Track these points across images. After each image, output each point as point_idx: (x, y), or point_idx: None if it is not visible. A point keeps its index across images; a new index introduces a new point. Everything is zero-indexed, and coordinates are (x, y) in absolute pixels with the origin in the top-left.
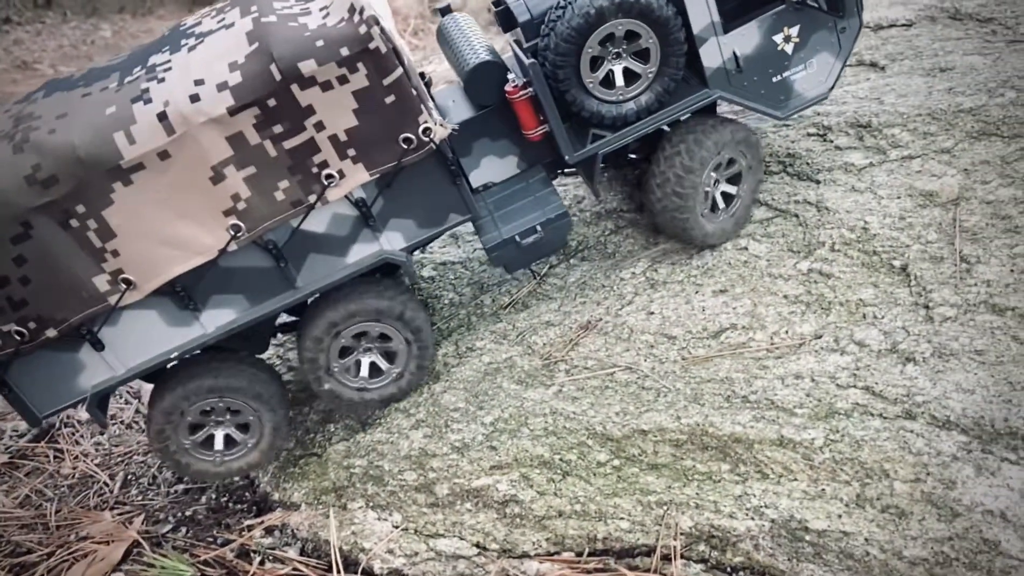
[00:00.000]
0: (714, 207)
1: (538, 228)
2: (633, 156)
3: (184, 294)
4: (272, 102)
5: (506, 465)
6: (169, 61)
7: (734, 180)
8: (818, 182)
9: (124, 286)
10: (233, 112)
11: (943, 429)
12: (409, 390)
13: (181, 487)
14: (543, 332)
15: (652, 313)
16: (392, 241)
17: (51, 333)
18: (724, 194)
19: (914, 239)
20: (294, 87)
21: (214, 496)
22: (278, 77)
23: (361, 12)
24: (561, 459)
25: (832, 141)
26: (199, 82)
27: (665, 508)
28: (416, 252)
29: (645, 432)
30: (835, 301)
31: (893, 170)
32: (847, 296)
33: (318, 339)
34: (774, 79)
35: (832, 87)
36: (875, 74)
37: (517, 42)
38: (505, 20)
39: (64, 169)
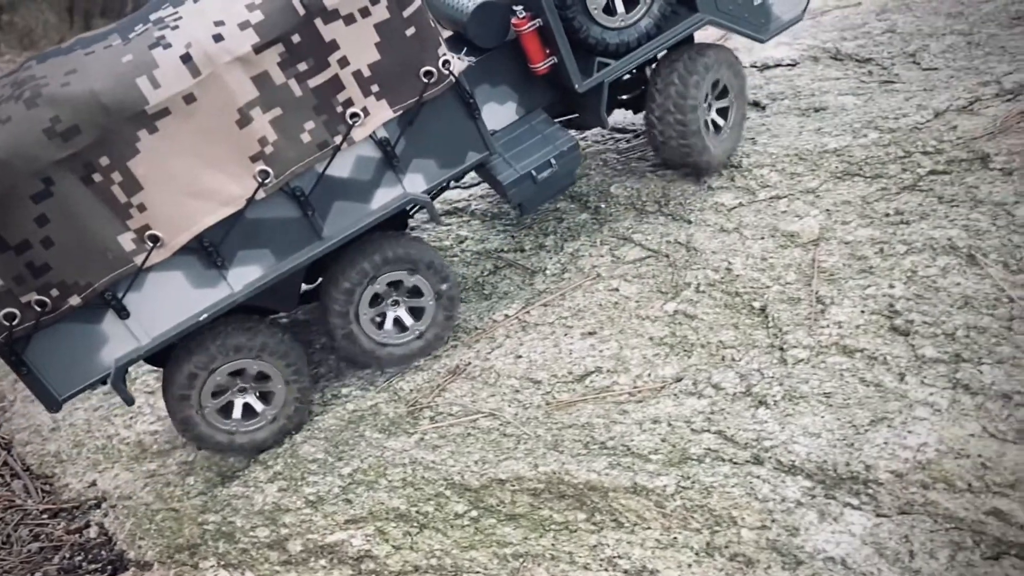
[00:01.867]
0: (716, 129)
1: (552, 162)
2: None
3: (212, 250)
4: (296, 38)
5: (361, 519)
6: (176, 12)
7: (723, 101)
8: (690, 222)
9: (151, 244)
10: (259, 50)
11: (788, 474)
12: (435, 347)
13: (35, 545)
14: (411, 377)
15: (520, 357)
16: (414, 183)
17: (75, 301)
18: (720, 111)
19: (774, 280)
20: (317, 21)
21: (68, 556)
22: (301, 11)
23: None
24: (418, 511)
25: (706, 181)
26: (219, 23)
27: (521, 560)
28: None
29: (503, 481)
30: (697, 343)
31: (760, 210)
32: (709, 338)
33: (350, 290)
34: (755, 2)
35: (805, 9)
36: (755, 113)
37: None
38: None
39: (86, 118)
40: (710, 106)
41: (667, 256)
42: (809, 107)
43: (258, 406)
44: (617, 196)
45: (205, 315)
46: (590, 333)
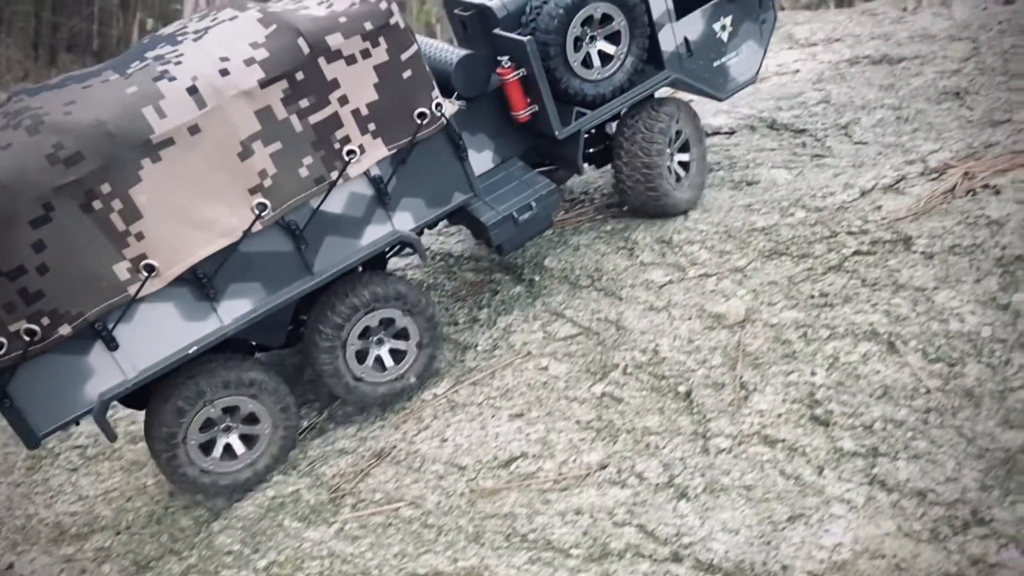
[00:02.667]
0: (678, 178)
1: (533, 205)
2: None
3: (205, 281)
4: (300, 75)
5: None
6: (175, 50)
7: (684, 150)
8: (621, 299)
9: (146, 273)
10: (264, 85)
11: (707, 573)
12: (411, 392)
13: None
14: (335, 461)
15: (446, 440)
16: (403, 221)
17: (65, 331)
18: (681, 163)
19: (700, 363)
20: (321, 60)
21: None
22: (306, 50)
23: None
24: None
25: (638, 257)
26: (224, 59)
27: None
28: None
29: None
30: (623, 428)
31: (689, 288)
32: (634, 423)
33: (339, 325)
34: (715, 64)
35: (757, 73)
36: None
37: (500, 32)
38: (481, 19)
39: (90, 145)
40: (672, 154)
41: (597, 334)
42: (742, 180)
43: (239, 448)
44: (551, 269)
45: (195, 348)
46: (518, 415)
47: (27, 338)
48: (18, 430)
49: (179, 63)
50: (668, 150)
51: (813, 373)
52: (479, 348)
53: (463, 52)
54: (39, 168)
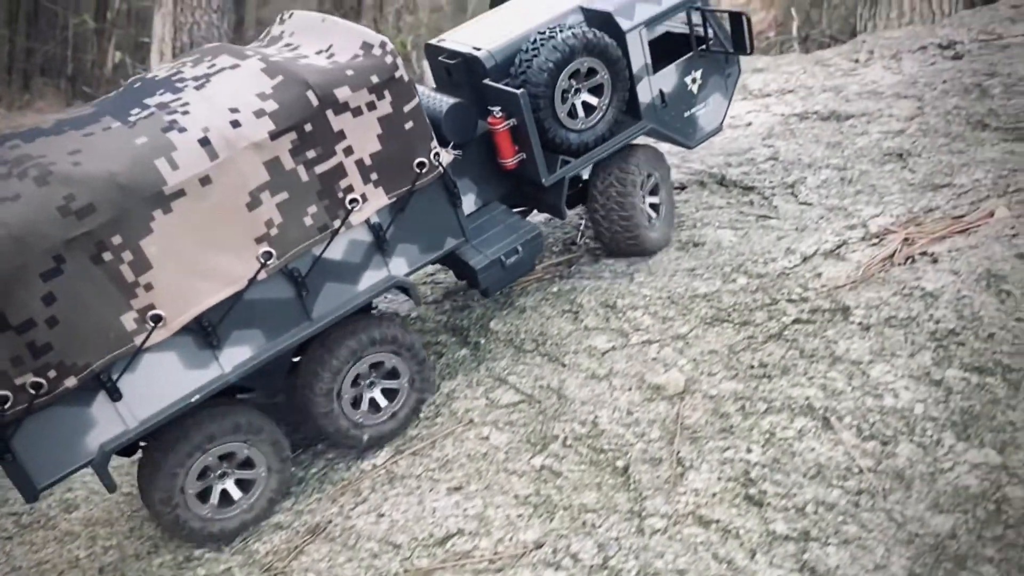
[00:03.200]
0: (649, 219)
1: (519, 248)
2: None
3: (210, 330)
4: (308, 127)
5: None
6: (178, 99)
7: (654, 192)
8: (564, 365)
9: (152, 324)
10: (274, 136)
11: None
12: (401, 431)
13: None
14: (269, 536)
15: (383, 515)
16: (398, 267)
17: (71, 383)
18: (652, 205)
19: (638, 437)
20: (329, 112)
21: None
22: (315, 103)
23: (383, 46)
24: None
25: (583, 321)
26: (234, 110)
27: None
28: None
29: None
30: (560, 504)
31: (632, 356)
32: (572, 499)
33: (337, 369)
34: (685, 114)
35: (722, 123)
36: None
37: (491, 83)
38: (467, 68)
39: (102, 197)
40: (644, 197)
41: (539, 402)
42: (689, 240)
43: (235, 493)
44: (497, 332)
45: (197, 396)
46: (456, 488)
47: (32, 391)
48: (18, 484)
49: (186, 113)
50: (641, 192)
51: (749, 450)
52: (422, 415)
53: (452, 100)
54: (50, 220)
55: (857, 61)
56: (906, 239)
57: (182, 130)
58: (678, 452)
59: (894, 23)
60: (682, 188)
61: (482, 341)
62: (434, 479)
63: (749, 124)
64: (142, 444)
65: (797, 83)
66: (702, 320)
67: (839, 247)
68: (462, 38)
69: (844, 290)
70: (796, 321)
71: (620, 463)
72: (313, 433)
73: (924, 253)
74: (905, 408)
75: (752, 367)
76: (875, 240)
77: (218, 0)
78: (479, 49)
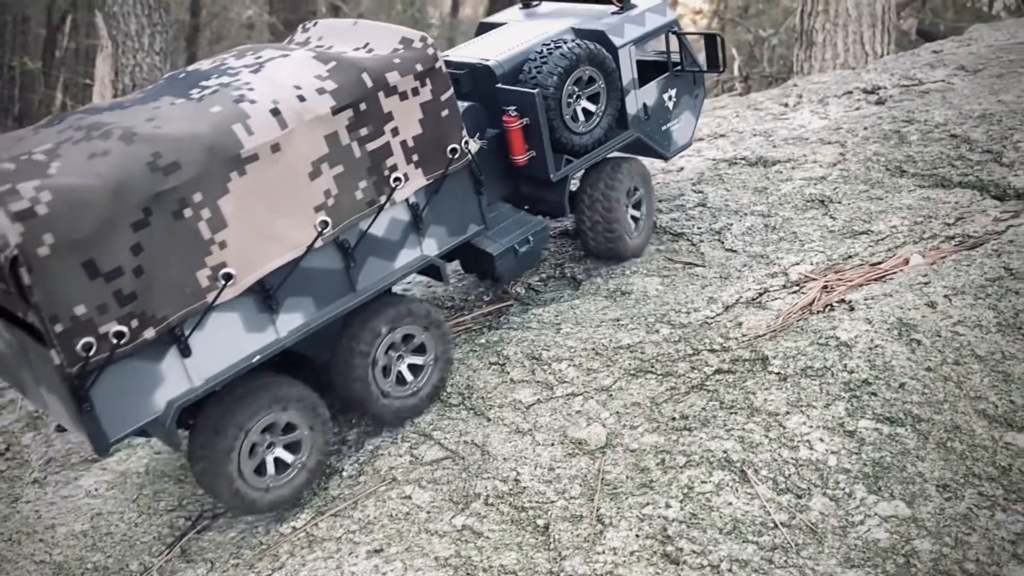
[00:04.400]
0: (629, 229)
1: (530, 239)
2: None
3: (270, 293)
4: (363, 106)
5: None
6: (237, 79)
7: (637, 206)
8: (489, 419)
9: (223, 282)
10: (335, 112)
11: None
12: (422, 409)
13: None
14: None
15: None
16: (429, 248)
17: (150, 334)
18: (634, 217)
19: (559, 494)
20: (380, 94)
21: None
22: (369, 84)
23: (423, 40)
24: None
25: (509, 373)
26: (298, 88)
27: None
28: None
29: None
30: (480, 566)
31: (556, 409)
32: (492, 560)
33: (364, 353)
34: (663, 128)
35: (691, 140)
36: (569, 291)
37: (507, 87)
38: (476, 77)
39: (186, 156)
40: (627, 207)
41: (463, 459)
42: (616, 289)
43: (288, 457)
44: None
45: (257, 357)
46: (376, 551)
47: (115, 340)
48: (92, 435)
49: (251, 89)
50: (626, 202)
51: (668, 505)
52: (344, 474)
53: (466, 103)
54: (140, 174)
55: (787, 105)
56: (825, 287)
57: (253, 102)
58: (598, 509)
59: (829, 64)
60: None
61: None
62: (354, 542)
63: (681, 169)
64: (187, 432)
65: (729, 127)
66: (626, 372)
67: (760, 295)
68: (465, 54)
69: (764, 339)
70: (717, 371)
71: (541, 521)
72: (340, 402)
73: (842, 301)
74: (819, 460)
75: (674, 419)
76: (795, 288)
77: (160, 43)
78: (487, 60)
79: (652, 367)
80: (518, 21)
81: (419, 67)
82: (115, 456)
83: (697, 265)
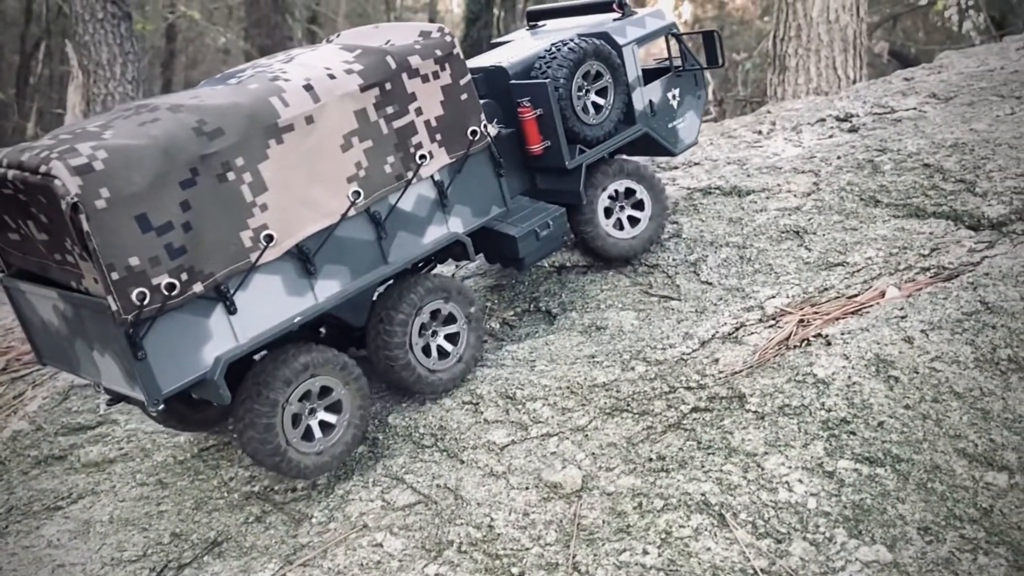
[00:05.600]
0: (621, 226)
1: (550, 223)
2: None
3: (308, 258)
4: (388, 86)
5: None
6: (272, 66)
7: (638, 207)
8: (463, 462)
9: (265, 243)
10: (363, 89)
11: None
12: (469, 373)
13: None
14: None
15: None
16: (455, 226)
17: (198, 288)
18: (631, 218)
19: (534, 540)
20: (404, 75)
21: None
22: (393, 66)
23: (441, 29)
24: None
25: (482, 413)
26: (328, 68)
27: None
28: None
29: None
30: None
31: (531, 450)
32: None
33: (404, 322)
34: (669, 125)
35: (697, 138)
36: (544, 325)
37: (517, 81)
38: (490, 78)
39: (229, 123)
40: (623, 208)
41: (436, 503)
42: (592, 324)
43: (331, 418)
44: (395, 427)
45: (298, 319)
46: None
47: (166, 292)
48: (145, 384)
49: (286, 72)
50: (621, 204)
51: (645, 552)
52: (314, 520)
53: (483, 100)
54: (188, 137)
55: (761, 133)
56: (801, 321)
57: (287, 80)
58: (574, 556)
59: (802, 88)
60: (588, 267)
61: (380, 437)
62: None
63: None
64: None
65: (703, 155)
66: (601, 411)
67: (737, 330)
68: (479, 62)
69: (741, 376)
70: (694, 410)
71: (515, 570)
72: (384, 379)
73: (818, 335)
74: (799, 503)
75: (650, 459)
76: (771, 322)
77: (132, 72)
78: (501, 62)
79: (628, 406)
80: (526, 38)
81: (438, 52)
82: (78, 503)
83: (673, 299)
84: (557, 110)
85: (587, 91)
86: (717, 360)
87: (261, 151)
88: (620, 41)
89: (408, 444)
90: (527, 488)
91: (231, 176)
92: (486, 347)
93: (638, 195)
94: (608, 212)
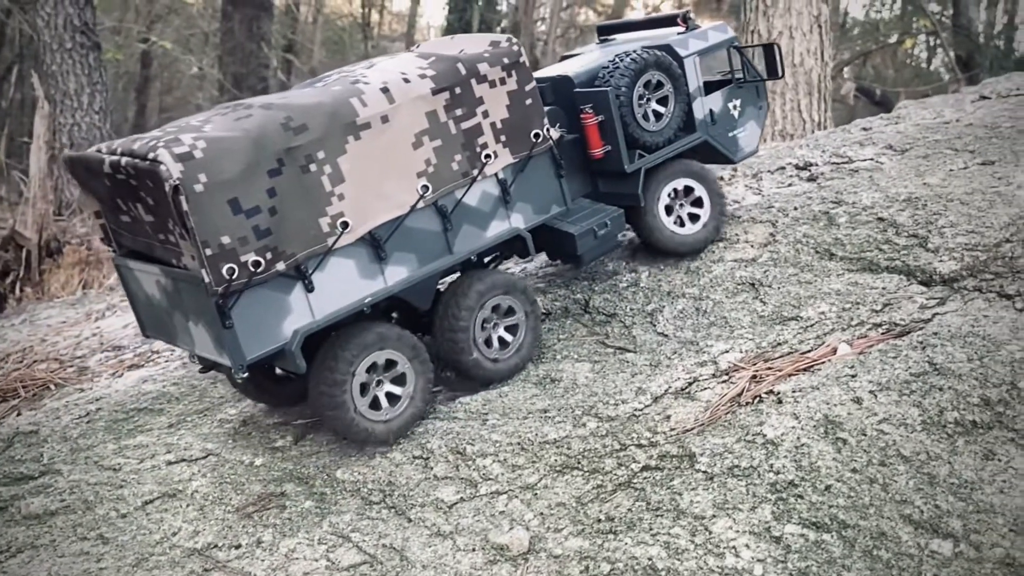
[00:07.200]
0: (682, 223)
1: (608, 223)
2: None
3: (380, 244)
4: (458, 90)
5: None
6: (355, 73)
7: (697, 204)
8: (410, 520)
9: (341, 229)
10: (434, 93)
11: None
12: (527, 363)
13: None
14: None
15: None
16: (516, 222)
17: (280, 266)
18: (691, 215)
19: None
20: (472, 81)
21: None
22: (463, 72)
23: (509, 40)
24: None
25: (432, 468)
26: (403, 73)
27: None
28: None
29: None
30: None
31: (480, 509)
32: None
33: (470, 308)
34: (729, 134)
35: (757, 148)
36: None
37: (579, 88)
38: (556, 87)
39: (314, 120)
40: (682, 205)
41: (381, 564)
42: (546, 376)
43: (397, 390)
44: (344, 482)
45: (369, 299)
46: None
47: (253, 268)
48: (231, 352)
49: (366, 77)
50: (680, 202)
51: None
52: None
53: (548, 107)
54: (276, 131)
55: (722, 179)
56: (754, 376)
57: (367, 83)
58: None
59: (768, 131)
60: (547, 315)
61: (328, 492)
62: None
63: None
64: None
65: None
66: (552, 468)
67: (690, 385)
68: (547, 72)
69: (692, 434)
70: (645, 468)
71: None
72: (447, 364)
73: (770, 392)
74: (745, 569)
75: (599, 520)
76: (724, 377)
77: (100, 102)
78: (567, 72)
79: (579, 463)
80: (595, 50)
81: (506, 60)
82: (17, 557)
83: (628, 350)
84: (618, 116)
85: (648, 99)
86: (669, 417)
87: (340, 146)
88: (682, 53)
89: (356, 499)
90: (473, 550)
91: (313, 167)
92: (440, 398)
93: (696, 193)
94: (669, 210)
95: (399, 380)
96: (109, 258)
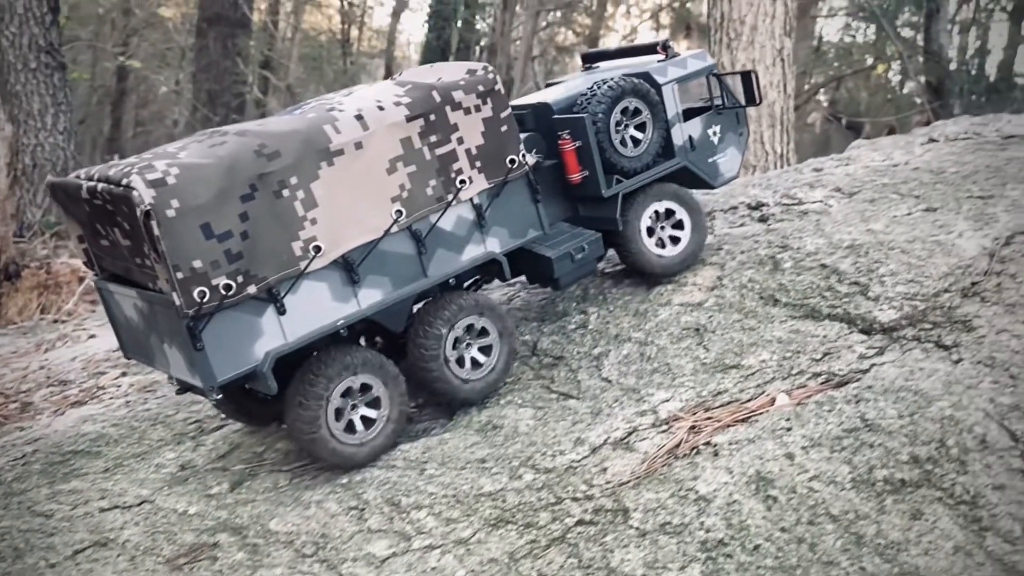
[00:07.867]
0: (663, 245)
1: (585, 247)
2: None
3: (353, 268)
4: (432, 117)
5: None
6: (333, 100)
7: (678, 227)
8: (341, 575)
9: (314, 252)
10: (408, 120)
11: None
12: (502, 381)
13: None
14: None
15: None
16: (492, 246)
17: (252, 289)
18: (672, 237)
19: None
20: (447, 108)
21: None
22: (438, 99)
23: (485, 68)
24: None
25: (367, 521)
26: (378, 101)
27: None
28: None
29: None
30: None
31: (411, 564)
32: None
33: (441, 328)
34: (709, 160)
35: (737, 173)
36: (443, 420)
37: (559, 114)
38: (536, 113)
39: (287, 147)
40: (663, 227)
41: None
42: (488, 422)
43: (372, 413)
44: (277, 533)
45: (342, 322)
46: None
47: (224, 292)
48: (202, 373)
49: (342, 104)
50: (661, 224)
51: None
52: None
53: (527, 133)
54: (249, 157)
55: None
56: (693, 427)
57: (341, 111)
58: None
59: None
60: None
61: (260, 543)
62: None
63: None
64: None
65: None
66: (486, 522)
67: (629, 435)
68: (528, 99)
69: (627, 487)
70: (579, 523)
71: None
72: (421, 385)
73: (708, 443)
74: None
75: None
76: (664, 427)
77: (64, 122)
78: (546, 99)
79: (513, 517)
80: (578, 77)
81: (481, 88)
82: None
83: (572, 396)
84: (595, 142)
85: (626, 126)
86: (606, 469)
87: (313, 172)
88: (660, 80)
89: (289, 552)
90: None
91: (286, 193)
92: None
93: (677, 215)
94: (651, 232)
95: (374, 404)
96: (69, 282)
